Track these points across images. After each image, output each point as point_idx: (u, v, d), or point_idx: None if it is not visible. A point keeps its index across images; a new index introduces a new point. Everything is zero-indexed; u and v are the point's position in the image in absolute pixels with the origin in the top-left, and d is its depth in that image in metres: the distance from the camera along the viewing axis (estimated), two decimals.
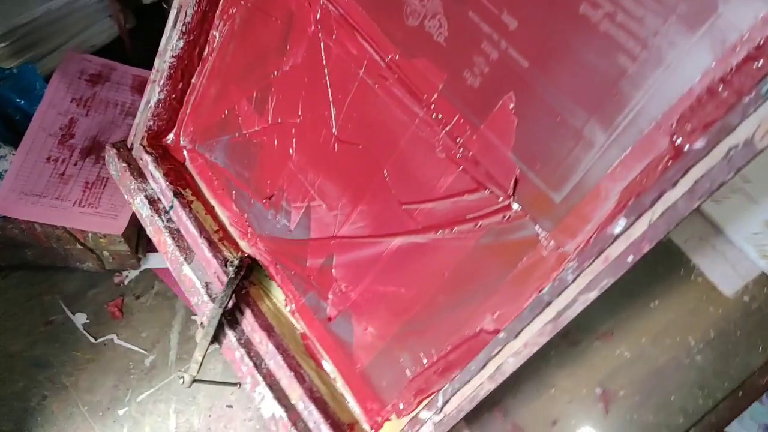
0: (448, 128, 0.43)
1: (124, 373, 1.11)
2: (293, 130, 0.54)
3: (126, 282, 1.16)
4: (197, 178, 0.65)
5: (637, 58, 0.34)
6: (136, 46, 1.12)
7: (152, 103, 0.62)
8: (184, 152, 0.66)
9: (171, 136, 0.66)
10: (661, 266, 0.49)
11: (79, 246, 1.00)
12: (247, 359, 0.53)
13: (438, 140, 0.44)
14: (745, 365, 0.47)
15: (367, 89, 0.48)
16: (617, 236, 0.33)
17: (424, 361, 0.47)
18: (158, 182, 0.63)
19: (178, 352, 1.14)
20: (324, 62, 0.51)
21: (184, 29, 0.57)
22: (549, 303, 0.36)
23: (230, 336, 0.54)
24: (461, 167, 0.43)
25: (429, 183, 0.45)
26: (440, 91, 0.43)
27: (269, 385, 0.52)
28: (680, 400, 0.47)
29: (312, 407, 0.51)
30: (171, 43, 0.58)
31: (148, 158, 0.64)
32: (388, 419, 0.50)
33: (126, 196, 0.65)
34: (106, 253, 1.03)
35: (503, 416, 0.50)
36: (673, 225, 0.32)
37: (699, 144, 0.30)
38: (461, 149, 0.43)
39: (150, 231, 0.63)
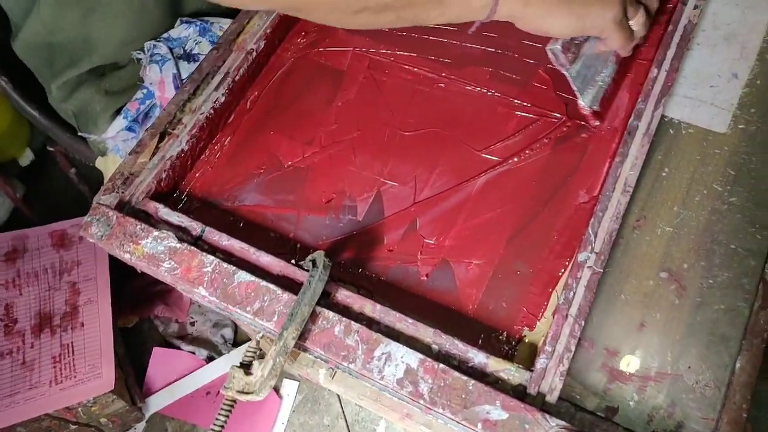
0: (502, 95, 0.70)
1: None
2: (353, 142, 0.69)
3: None
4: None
5: None
6: (34, 209, 1.18)
7: (172, 153, 0.67)
8: (190, 212, 0.68)
9: (170, 200, 0.68)
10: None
11: (73, 427, 0.91)
12: (355, 325, 0.53)
13: (496, 103, 0.69)
14: None
15: (424, 94, 0.71)
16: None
17: (537, 256, 0.60)
18: (176, 224, 0.63)
19: None
20: (380, 89, 0.72)
21: (231, 86, 0.71)
22: (637, 126, 0.61)
23: (323, 314, 0.54)
24: (520, 112, 0.68)
25: (498, 129, 0.68)
26: (489, 78, 0.71)
27: (394, 339, 0.53)
28: (741, 245, 0.58)
29: (452, 339, 0.53)
30: (214, 96, 0.69)
31: (158, 205, 0.64)
32: (522, 336, 0.56)
33: (122, 250, 0.61)
34: (103, 420, 0.93)
35: (592, 345, 0.57)
36: None
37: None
38: (518, 102, 0.69)
39: (167, 268, 0.59)
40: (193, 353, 1.31)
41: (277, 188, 0.67)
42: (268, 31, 0.73)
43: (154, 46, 0.85)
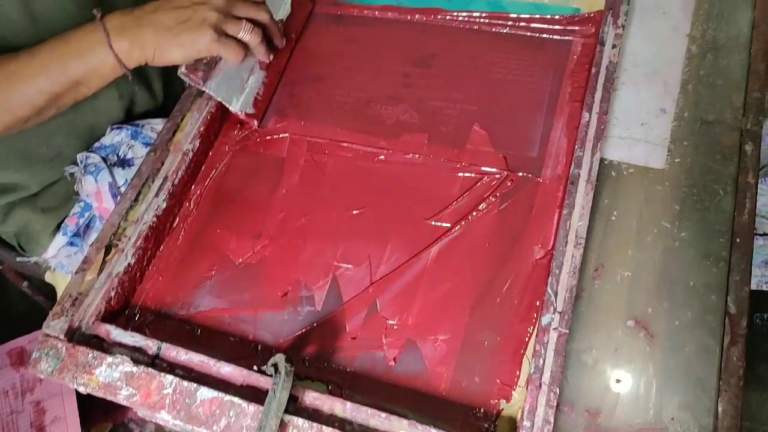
0: (443, 159, 0.68)
1: None
2: (301, 229, 0.68)
3: None
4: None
5: None
6: None
7: (119, 270, 0.64)
8: (145, 327, 0.65)
9: (122, 318, 0.65)
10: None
11: None
12: (327, 429, 0.50)
13: (438, 168, 0.68)
14: (721, 212, 0.60)
15: (366, 169, 0.70)
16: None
17: (503, 321, 0.58)
18: (130, 344, 0.59)
19: None
20: (322, 171, 0.71)
21: (171, 190, 0.69)
22: (578, 174, 0.59)
23: (292, 422, 0.51)
24: (462, 173, 0.67)
25: (443, 194, 0.66)
26: (427, 144, 0.70)
27: None
28: (699, 280, 0.57)
29: (429, 429, 0.50)
30: (155, 204, 0.67)
31: (110, 327, 0.60)
32: (499, 410, 0.54)
33: (75, 383, 0.57)
34: None
35: (572, 409, 0.56)
36: None
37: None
38: (458, 164, 0.67)
39: (125, 395, 0.56)
40: None
41: (230, 289, 0.65)
42: (201, 128, 0.72)
43: (87, 157, 0.83)
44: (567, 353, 0.53)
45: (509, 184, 0.64)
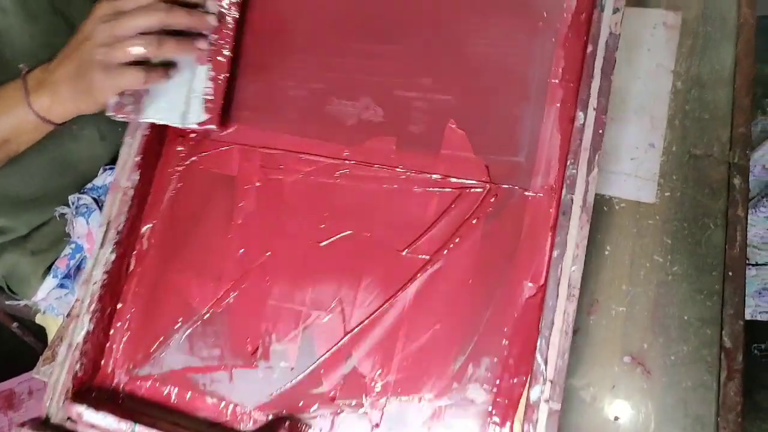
0: (413, 171, 0.58)
1: None
2: (265, 268, 0.60)
3: None
4: (145, 409, 0.60)
5: None
6: None
7: (78, 340, 0.59)
8: (120, 391, 0.61)
9: (95, 385, 0.61)
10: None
11: None
12: None
13: (410, 182, 0.58)
14: (712, 246, 0.59)
15: (328, 188, 0.61)
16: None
17: (491, 375, 0.52)
18: (104, 427, 0.56)
19: None
20: (280, 192, 0.62)
21: (117, 239, 0.61)
22: (571, 201, 0.50)
23: None
24: (439, 188, 0.57)
25: (418, 216, 0.57)
26: (395, 150, 0.59)
27: None
28: (693, 314, 0.58)
29: None
30: (102, 259, 0.61)
31: (81, 408, 0.57)
32: None
33: None
34: None
35: None
36: None
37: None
38: (432, 176, 0.57)
39: None
40: None
41: (200, 344, 0.60)
42: (138, 158, 0.62)
43: (79, 198, 0.78)
44: (565, 390, 0.48)
45: (493, 200, 0.55)
